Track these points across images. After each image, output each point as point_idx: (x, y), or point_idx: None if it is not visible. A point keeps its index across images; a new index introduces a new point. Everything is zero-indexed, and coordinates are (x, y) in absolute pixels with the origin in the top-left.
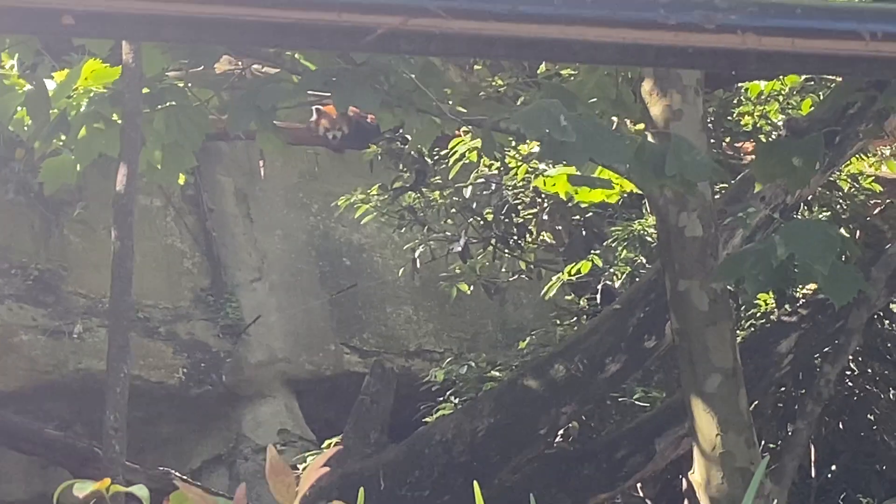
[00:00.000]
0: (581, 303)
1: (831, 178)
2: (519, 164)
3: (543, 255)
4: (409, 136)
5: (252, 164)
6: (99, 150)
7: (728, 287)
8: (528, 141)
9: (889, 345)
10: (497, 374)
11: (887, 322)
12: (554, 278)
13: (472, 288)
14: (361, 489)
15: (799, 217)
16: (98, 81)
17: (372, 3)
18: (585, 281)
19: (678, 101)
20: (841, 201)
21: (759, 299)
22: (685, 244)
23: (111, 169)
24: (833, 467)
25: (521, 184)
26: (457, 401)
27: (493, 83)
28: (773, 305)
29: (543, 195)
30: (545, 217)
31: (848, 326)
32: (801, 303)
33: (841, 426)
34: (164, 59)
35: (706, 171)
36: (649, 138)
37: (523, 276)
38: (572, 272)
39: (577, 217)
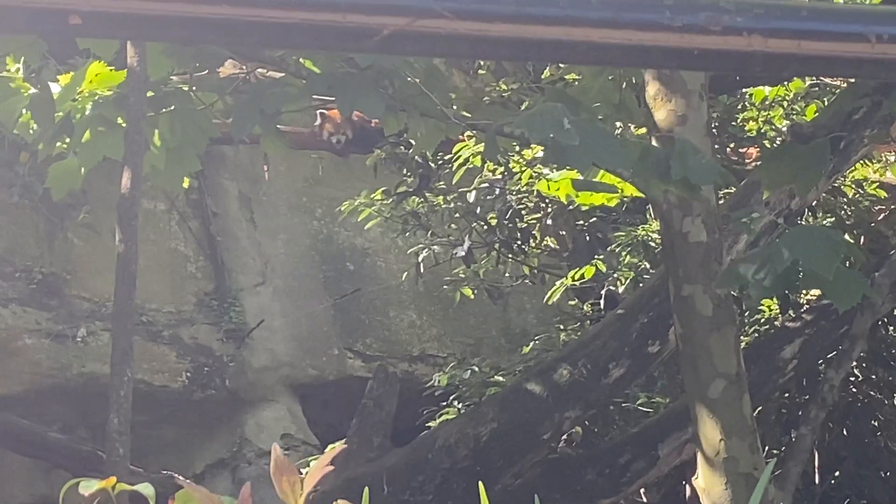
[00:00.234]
0: (584, 308)
1: (836, 184)
2: (523, 168)
3: (547, 259)
4: (412, 141)
5: (256, 169)
6: (103, 153)
7: (732, 293)
8: (531, 146)
9: (893, 351)
10: (500, 378)
11: (891, 328)
12: (557, 283)
13: (475, 293)
14: (366, 490)
15: (803, 223)
16: (102, 85)
17: (377, 4)
18: (589, 286)
19: (682, 106)
20: (845, 207)
21: (762, 305)
22: (689, 249)
23: (115, 173)
24: (837, 473)
25: (524, 188)
26: (460, 406)
27: (497, 88)
28: (777, 311)
29: (547, 200)
30: (549, 222)
31: (852, 332)
32: (804, 308)
33: (845, 432)
34: (169, 63)
35: (711, 175)
36: (653, 143)
37: (527, 280)
38: (576, 277)
39: (581, 222)
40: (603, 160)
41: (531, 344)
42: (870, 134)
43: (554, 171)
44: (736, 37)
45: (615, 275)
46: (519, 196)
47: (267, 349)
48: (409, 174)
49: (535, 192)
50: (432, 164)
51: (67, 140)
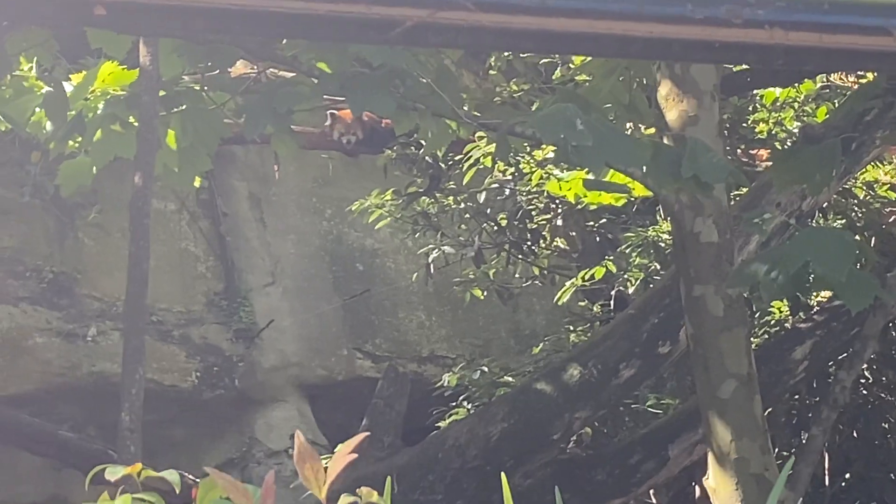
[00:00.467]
0: (594, 309)
1: (847, 186)
2: (533, 169)
3: (557, 260)
4: (423, 141)
5: (266, 169)
6: (115, 152)
7: (743, 293)
8: (542, 146)
9: None
10: (510, 379)
11: None
12: (567, 284)
13: (485, 293)
14: (388, 479)
15: (814, 224)
16: (115, 84)
17: None
18: (599, 287)
19: (694, 107)
20: (856, 209)
21: (773, 306)
22: (700, 250)
23: (126, 172)
24: (847, 476)
25: (535, 189)
26: (469, 406)
27: (508, 88)
28: (788, 313)
29: (557, 201)
30: (559, 223)
31: (864, 333)
32: (816, 310)
33: (855, 434)
34: (181, 63)
35: (722, 174)
36: (665, 142)
37: (537, 281)
38: (586, 278)
39: (591, 223)
40: (616, 160)
41: (541, 345)
42: (881, 135)
43: (564, 171)
44: (757, 30)
45: (625, 276)
46: (529, 197)
47: (276, 349)
48: (419, 175)
49: (545, 193)
50: (442, 165)
51: (79, 139)
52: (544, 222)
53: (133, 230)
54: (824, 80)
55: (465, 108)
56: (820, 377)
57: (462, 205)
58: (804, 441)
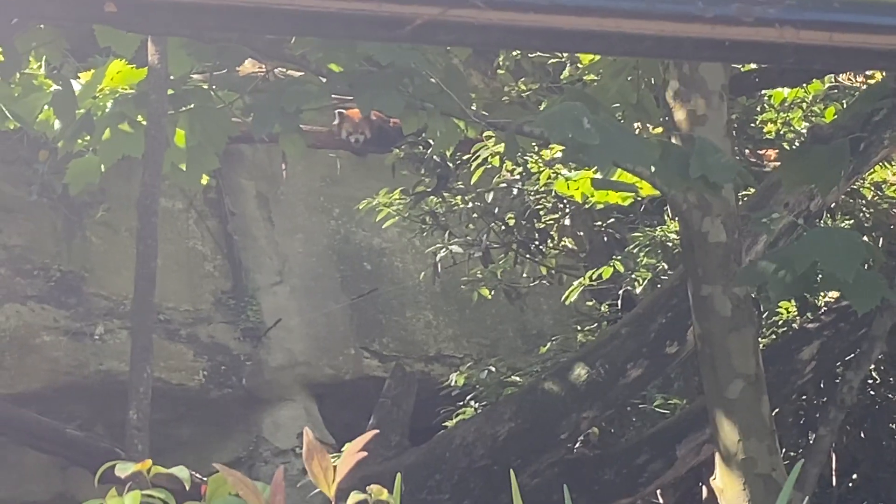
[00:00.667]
0: (602, 309)
1: (854, 186)
2: (541, 168)
3: (565, 260)
4: (431, 141)
5: (274, 168)
6: (123, 151)
7: (751, 294)
8: (550, 146)
9: None
10: (517, 379)
11: None
12: (575, 284)
13: (492, 293)
14: (398, 476)
15: (822, 225)
16: (123, 82)
17: None
18: (606, 287)
19: (702, 107)
20: (864, 209)
21: (780, 307)
22: (708, 249)
23: (133, 171)
24: (854, 476)
25: (542, 189)
26: (477, 406)
27: (517, 88)
28: (796, 313)
29: (565, 200)
30: (567, 222)
31: (871, 334)
32: (823, 310)
33: (862, 435)
34: (190, 61)
35: (730, 174)
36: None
37: (544, 281)
38: (593, 277)
39: (599, 223)
40: (623, 159)
41: (548, 344)
42: (890, 135)
43: (572, 170)
44: (768, 28)
45: (633, 275)
46: (537, 196)
47: (284, 348)
48: (426, 174)
49: (552, 193)
50: (450, 164)
51: (87, 137)
52: (552, 222)
53: (141, 229)
54: (832, 80)
55: (474, 108)
56: (827, 377)
57: (470, 204)
58: (811, 441)
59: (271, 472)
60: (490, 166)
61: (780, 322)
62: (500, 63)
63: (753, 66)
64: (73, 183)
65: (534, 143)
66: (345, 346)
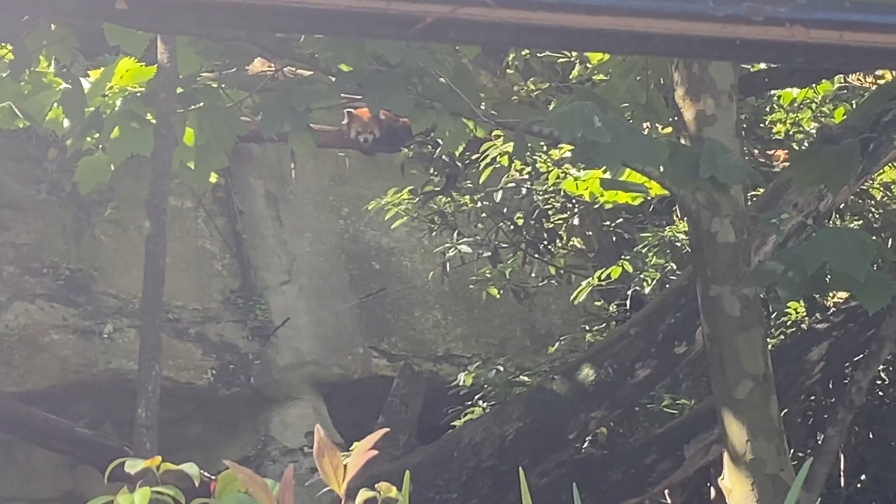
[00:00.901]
0: (610, 309)
1: (864, 187)
2: (550, 168)
3: (573, 260)
4: (440, 140)
5: (283, 167)
6: (132, 149)
7: (760, 294)
8: (559, 146)
9: None
10: (525, 379)
11: None
12: (583, 283)
13: (501, 292)
14: (407, 473)
15: (831, 225)
16: (132, 80)
17: None
18: (615, 287)
19: (712, 107)
20: (873, 210)
21: (789, 307)
22: (717, 250)
23: (142, 170)
24: (862, 477)
25: (551, 188)
26: (485, 405)
27: (526, 87)
28: (804, 313)
29: (574, 200)
30: (575, 222)
31: (880, 334)
32: (832, 311)
33: (871, 435)
34: (199, 60)
35: (740, 174)
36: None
37: (553, 281)
38: (602, 278)
39: (608, 222)
40: (633, 158)
41: (556, 344)
42: None
43: (581, 170)
44: (778, 27)
45: (641, 275)
46: (546, 196)
47: (292, 347)
48: (435, 173)
49: (561, 192)
50: (459, 164)
51: (96, 135)
52: (561, 222)
53: (150, 227)
54: (842, 80)
55: (483, 107)
56: (836, 378)
57: (479, 204)
58: (820, 442)
59: (279, 471)
60: (499, 166)
61: (789, 322)
62: (510, 63)
63: (763, 66)
64: (83, 181)
65: (542, 143)
66: (353, 346)
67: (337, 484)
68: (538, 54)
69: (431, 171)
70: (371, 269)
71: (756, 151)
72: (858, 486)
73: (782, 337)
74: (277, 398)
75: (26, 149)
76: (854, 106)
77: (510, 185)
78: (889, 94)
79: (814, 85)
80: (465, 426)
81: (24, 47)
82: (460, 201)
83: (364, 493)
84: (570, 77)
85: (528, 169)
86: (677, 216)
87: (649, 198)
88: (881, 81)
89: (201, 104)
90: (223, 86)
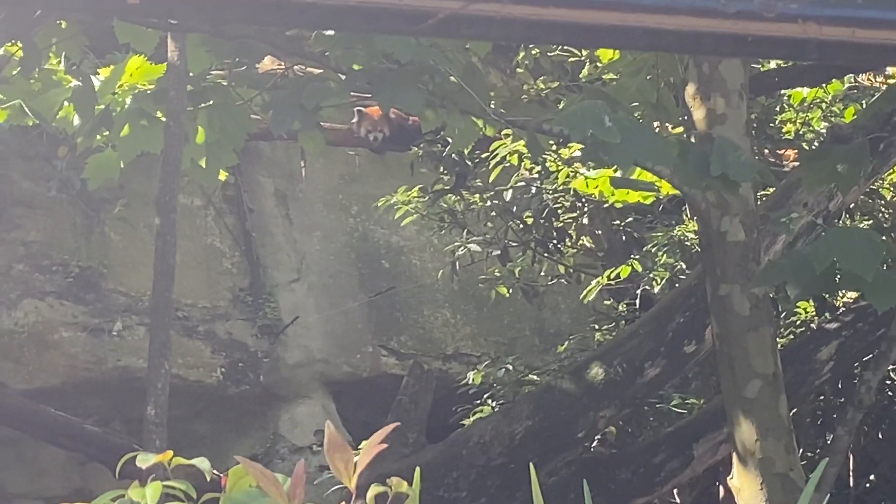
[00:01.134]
0: (620, 308)
1: (874, 187)
2: (559, 167)
3: (583, 259)
4: (449, 139)
5: (292, 165)
6: (142, 147)
7: (769, 293)
8: (569, 145)
9: None
10: (535, 377)
11: None
12: (593, 283)
13: (510, 291)
14: (417, 469)
15: (841, 225)
16: (142, 78)
17: None
18: (624, 286)
19: (722, 106)
20: (883, 209)
21: (799, 306)
22: (727, 249)
23: (152, 167)
24: (872, 477)
25: (561, 187)
26: (494, 404)
27: (535, 86)
28: (814, 313)
29: (584, 199)
30: (585, 221)
31: (890, 334)
32: (842, 310)
33: (880, 436)
34: (209, 58)
35: (750, 172)
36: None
37: (562, 280)
38: (611, 276)
39: (617, 222)
40: (644, 157)
41: (566, 343)
42: None
43: (591, 169)
44: (790, 24)
45: (651, 275)
46: (555, 195)
47: (301, 345)
48: (445, 172)
49: (571, 191)
50: (469, 163)
51: (106, 133)
52: (570, 221)
53: (160, 224)
54: (852, 80)
55: (492, 106)
56: (845, 378)
57: (488, 202)
58: (829, 442)
59: (288, 469)
60: (508, 164)
61: (799, 322)
62: (519, 61)
63: (773, 65)
64: (92, 178)
65: (552, 142)
66: (362, 344)
67: (348, 479)
68: (548, 53)
69: (441, 169)
70: (380, 267)
71: (766, 151)
72: (867, 485)
73: (792, 336)
74: (286, 396)
75: (36, 146)
76: (864, 105)
77: (520, 183)
78: None
79: (824, 84)
80: (474, 425)
81: (35, 45)
82: (470, 200)
83: (375, 489)
84: (580, 76)
85: (538, 168)
86: (687, 215)
87: (659, 197)
88: (891, 81)
89: (211, 102)
90: (233, 84)
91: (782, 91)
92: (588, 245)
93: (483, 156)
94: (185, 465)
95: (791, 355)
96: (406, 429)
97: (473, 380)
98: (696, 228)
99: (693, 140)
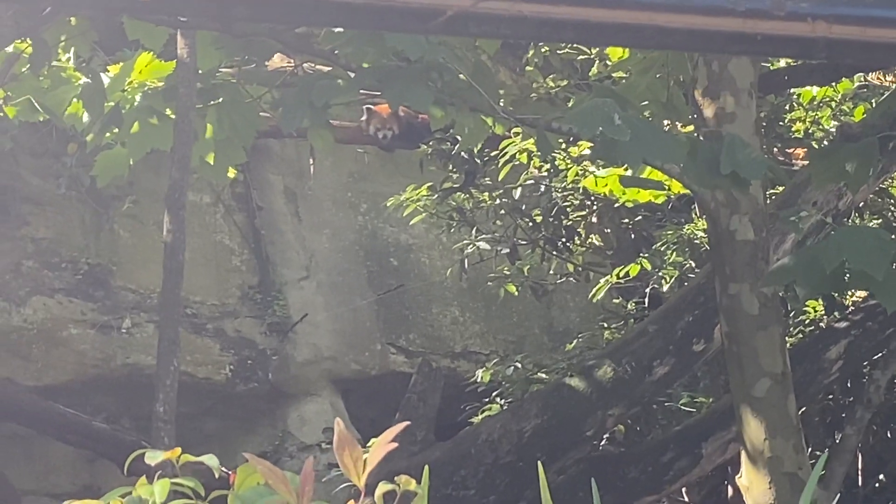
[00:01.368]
0: (629, 306)
1: (883, 186)
2: (569, 165)
3: (592, 257)
4: (458, 137)
5: (301, 163)
6: (151, 144)
7: (778, 292)
8: (578, 143)
9: None
10: (543, 376)
11: None
12: (602, 281)
13: (519, 290)
14: (426, 467)
15: (850, 223)
16: (152, 75)
17: None
18: (633, 284)
19: (731, 104)
20: (893, 208)
21: (808, 305)
22: (736, 248)
23: (161, 164)
24: (880, 476)
25: (570, 186)
26: (502, 402)
27: (545, 85)
28: (823, 312)
29: (593, 198)
30: (594, 219)
31: None
32: (851, 309)
33: (889, 435)
34: (218, 55)
35: (760, 169)
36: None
37: (571, 278)
38: (620, 275)
39: (626, 220)
40: (653, 155)
41: (574, 341)
42: None
43: (600, 168)
44: (800, 22)
45: (660, 273)
46: (564, 193)
47: (310, 343)
48: (454, 170)
49: (580, 190)
50: (478, 161)
51: (116, 130)
52: (579, 219)
53: (169, 221)
54: (862, 79)
55: (502, 104)
56: (854, 377)
57: (497, 201)
58: (838, 441)
59: (296, 466)
60: (518, 163)
61: (808, 321)
62: (529, 59)
63: (783, 63)
64: (102, 176)
65: (561, 140)
66: (371, 342)
67: (357, 477)
68: (558, 51)
69: (450, 167)
70: (389, 265)
71: (775, 149)
72: (876, 485)
73: (801, 335)
74: (295, 394)
75: (46, 143)
76: (874, 104)
77: (529, 181)
78: None
79: (833, 83)
80: (482, 423)
81: (44, 42)
82: (479, 198)
83: (383, 486)
84: (590, 74)
85: (547, 166)
86: (696, 214)
87: (669, 195)
88: None
89: (221, 99)
90: (242, 81)
91: (792, 90)
92: (597, 243)
93: (492, 154)
94: (193, 463)
95: (800, 354)
96: (414, 427)
97: (482, 378)
98: (705, 227)
99: (702, 138)
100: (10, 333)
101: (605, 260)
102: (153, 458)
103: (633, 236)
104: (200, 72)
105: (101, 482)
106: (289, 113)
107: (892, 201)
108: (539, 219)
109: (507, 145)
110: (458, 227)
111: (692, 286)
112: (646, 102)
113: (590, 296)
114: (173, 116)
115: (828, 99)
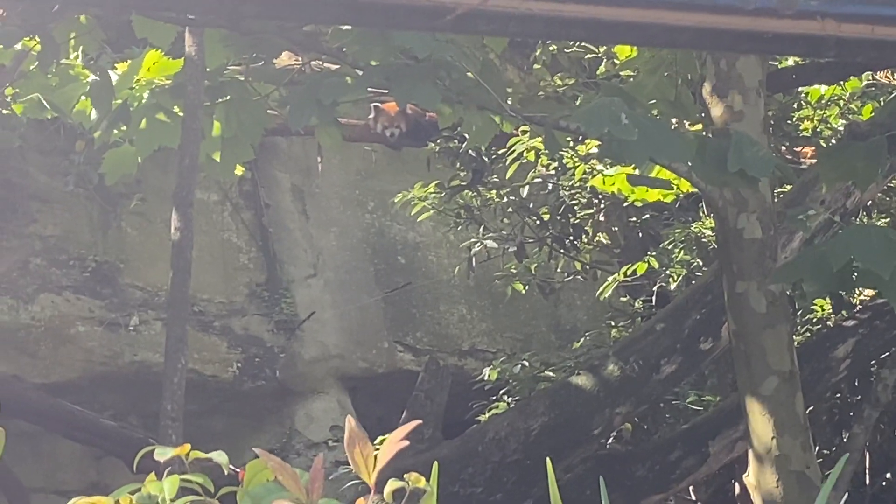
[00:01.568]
0: (636, 305)
1: (891, 184)
2: (576, 164)
3: (599, 255)
4: (466, 135)
5: (309, 161)
6: (159, 142)
7: (786, 290)
8: (586, 141)
9: None
10: (550, 374)
11: None
12: (609, 279)
13: (526, 288)
14: (435, 464)
15: (858, 222)
16: (159, 73)
17: None
18: (640, 283)
19: (739, 103)
20: None
21: (816, 304)
22: (744, 246)
23: (169, 162)
24: (888, 475)
25: (577, 184)
26: (510, 400)
27: (552, 83)
28: (831, 311)
29: (600, 196)
30: (601, 218)
31: None
32: (858, 308)
33: None
34: (226, 53)
35: (768, 167)
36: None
37: (578, 276)
38: (628, 273)
39: (634, 218)
40: (661, 154)
41: (582, 340)
42: None
43: (608, 166)
44: (809, 21)
45: (667, 272)
46: (572, 191)
47: (317, 341)
48: (462, 168)
49: (587, 188)
50: (485, 159)
51: (124, 128)
52: (587, 217)
53: (177, 219)
54: (870, 77)
55: (509, 102)
56: (862, 376)
57: (505, 199)
58: (845, 439)
59: (304, 464)
60: (525, 161)
61: (815, 319)
62: (536, 58)
63: (791, 62)
64: (109, 173)
65: (569, 139)
66: (378, 340)
67: (367, 474)
68: (565, 50)
69: (458, 165)
70: (396, 263)
71: (783, 148)
72: (884, 483)
73: (808, 334)
74: (302, 392)
75: (54, 141)
76: (882, 103)
77: (536, 180)
78: None
79: (842, 82)
80: (489, 421)
81: (53, 39)
82: (486, 196)
83: (393, 483)
84: (598, 73)
85: (555, 164)
86: (704, 212)
87: (676, 194)
88: None
89: (228, 97)
90: (250, 79)
91: (800, 88)
92: (604, 241)
93: (500, 152)
94: (201, 460)
95: (808, 353)
96: (422, 424)
97: (489, 376)
98: (712, 225)
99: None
100: (17, 331)
101: (613, 258)
102: (162, 454)
103: (640, 234)
104: (208, 69)
105: (109, 479)
106: (296, 111)
107: None
108: (546, 217)
109: (515, 143)
110: (466, 225)
111: (700, 284)
112: (654, 101)
113: (597, 294)
114: (181, 114)
115: (836, 97)
